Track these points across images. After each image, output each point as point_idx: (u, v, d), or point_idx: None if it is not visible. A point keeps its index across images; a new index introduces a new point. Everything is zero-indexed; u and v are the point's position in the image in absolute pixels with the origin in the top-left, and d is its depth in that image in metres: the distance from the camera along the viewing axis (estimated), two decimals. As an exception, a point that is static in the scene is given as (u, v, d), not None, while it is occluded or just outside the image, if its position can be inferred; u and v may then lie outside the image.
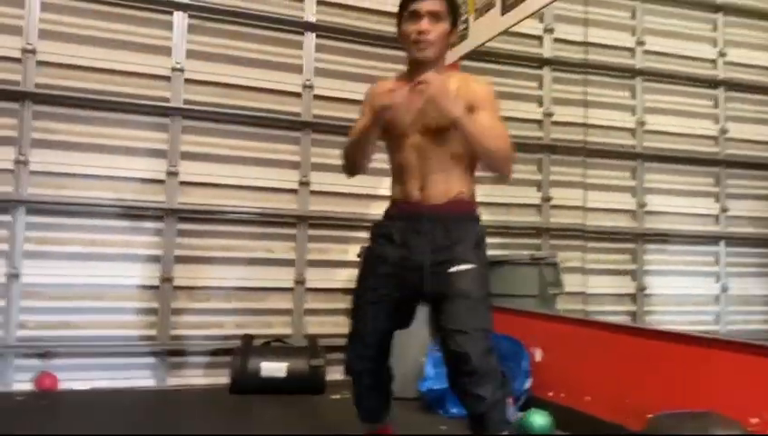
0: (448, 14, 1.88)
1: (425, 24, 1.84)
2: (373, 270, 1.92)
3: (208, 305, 3.32)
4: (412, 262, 1.82)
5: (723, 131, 3.36)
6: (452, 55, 3.64)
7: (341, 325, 3.55)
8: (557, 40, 3.51)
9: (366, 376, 1.99)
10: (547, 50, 3.58)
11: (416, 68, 1.88)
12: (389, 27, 3.73)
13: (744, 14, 3.29)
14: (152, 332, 3.20)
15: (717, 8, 3.30)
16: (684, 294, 3.38)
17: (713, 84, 3.37)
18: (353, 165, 2.01)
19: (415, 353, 3.03)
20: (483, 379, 1.70)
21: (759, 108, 3.30)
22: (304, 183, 3.49)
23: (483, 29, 3.34)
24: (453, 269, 1.77)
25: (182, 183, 3.28)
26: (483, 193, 3.63)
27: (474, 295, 1.76)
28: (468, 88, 1.83)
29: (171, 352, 3.23)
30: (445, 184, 1.84)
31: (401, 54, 3.71)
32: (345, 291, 3.54)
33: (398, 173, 1.93)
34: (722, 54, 3.36)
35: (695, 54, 3.43)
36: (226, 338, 3.29)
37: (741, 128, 3.36)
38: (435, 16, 1.85)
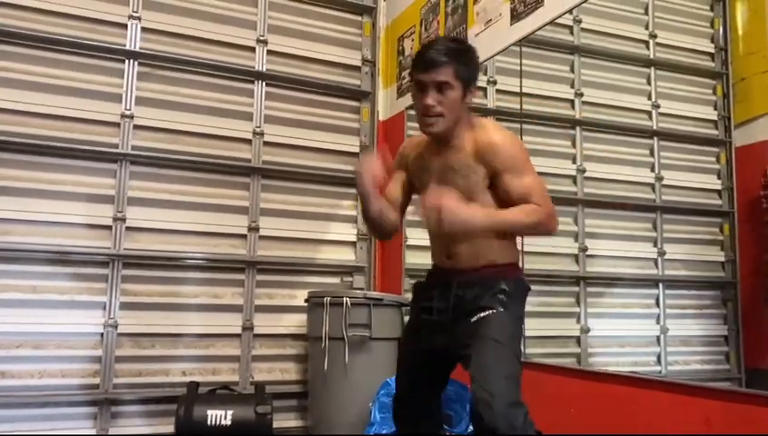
0: (459, 78, 1.72)
1: (430, 98, 1.71)
2: (408, 331, 2.01)
3: (153, 352, 3.27)
4: (438, 323, 1.80)
5: (659, 178, 3.49)
6: (399, 105, 3.78)
7: (290, 371, 3.55)
8: (500, 91, 3.65)
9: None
10: (491, 99, 3.71)
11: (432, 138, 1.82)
12: (335, 76, 3.86)
13: (674, 69, 3.46)
14: (95, 381, 3.13)
15: (650, 63, 3.46)
16: (626, 336, 3.45)
17: (648, 133, 3.51)
18: (375, 234, 2.14)
19: (362, 399, 3.03)
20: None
21: (690, 157, 3.44)
22: (253, 229, 3.51)
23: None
24: (474, 318, 1.71)
25: (129, 228, 3.27)
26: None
27: (496, 338, 1.67)
28: (489, 151, 1.73)
29: (114, 401, 3.16)
30: (474, 252, 1.78)
31: (347, 102, 3.89)
32: (293, 336, 3.55)
33: (431, 238, 1.92)
34: (655, 106, 3.51)
35: (631, 105, 3.58)
36: (171, 385, 3.24)
37: (675, 175, 3.50)
38: (442, 86, 1.71)
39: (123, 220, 3.25)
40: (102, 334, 3.16)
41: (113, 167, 3.28)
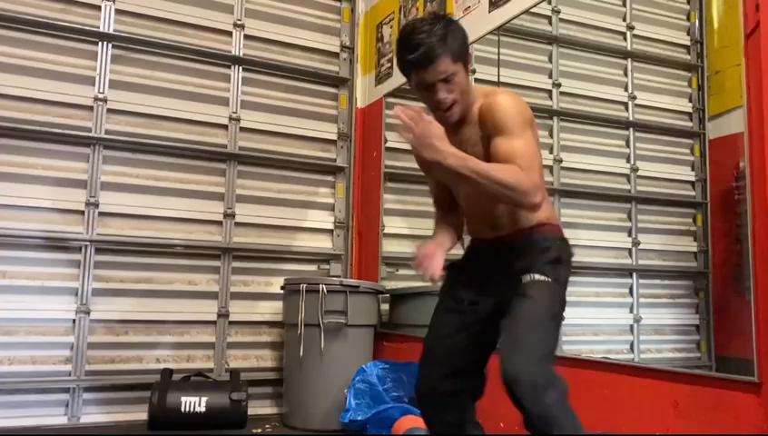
0: (458, 61, 1.65)
1: (441, 93, 1.65)
2: (444, 305, 1.85)
3: (127, 339, 3.24)
4: (487, 289, 1.73)
5: (635, 169, 3.52)
6: (378, 92, 3.76)
7: (265, 358, 3.54)
8: (477, 80, 3.65)
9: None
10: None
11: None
12: (313, 63, 3.83)
13: (651, 61, 3.49)
14: (67, 368, 3.09)
15: (627, 54, 3.48)
16: (600, 324, 3.49)
17: (624, 125, 3.54)
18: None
19: (337, 385, 3.04)
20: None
21: (665, 148, 3.47)
22: (229, 215, 3.48)
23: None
24: (527, 277, 1.61)
25: (102, 213, 3.22)
26: (409, 225, 3.73)
27: (540, 306, 1.58)
28: (488, 112, 1.65)
29: (86, 388, 3.12)
30: (508, 218, 1.71)
31: (324, 88, 3.86)
32: (269, 323, 3.54)
33: (466, 215, 1.87)
34: (632, 98, 3.54)
35: (608, 96, 3.61)
36: (145, 372, 3.21)
37: (650, 167, 3.53)
38: (448, 79, 1.64)
39: (96, 205, 3.20)
40: (74, 321, 3.12)
41: (86, 151, 3.23)
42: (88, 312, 3.13)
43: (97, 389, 3.15)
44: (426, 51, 1.62)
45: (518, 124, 1.61)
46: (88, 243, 3.17)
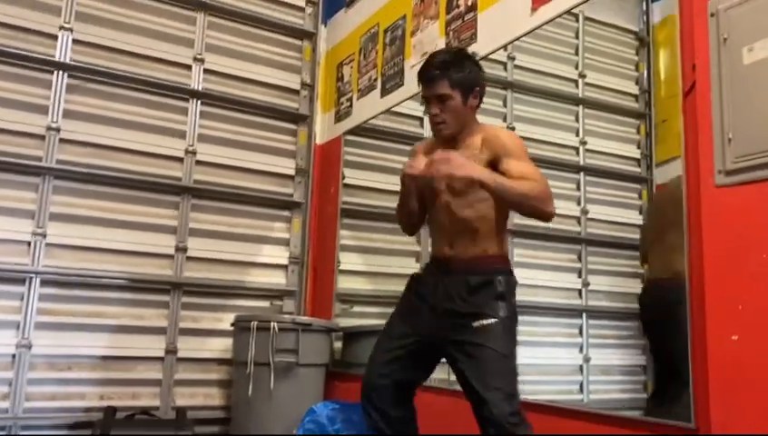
0: (456, 88, 1.93)
1: (434, 108, 1.94)
2: (397, 316, 2.03)
3: (69, 375, 3.14)
4: (438, 312, 1.90)
5: (585, 212, 3.60)
6: (337, 130, 3.80)
7: (214, 397, 3.46)
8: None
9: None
10: (427, 129, 3.77)
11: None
12: (273, 99, 3.85)
13: (601, 108, 3.61)
14: (4, 405, 2.97)
15: (578, 101, 3.60)
16: (550, 364, 3.52)
17: (575, 169, 3.63)
18: (404, 226, 2.17)
19: (286, 426, 2.99)
20: None
21: (614, 192, 3.57)
22: (181, 249, 3.44)
23: (365, 108, 3.52)
24: (476, 323, 1.82)
25: (50, 245, 3.15)
26: (365, 261, 3.73)
27: (497, 351, 1.79)
28: (495, 140, 1.92)
29: (23, 426, 2.99)
30: (472, 242, 1.92)
31: (284, 124, 3.88)
32: (219, 361, 3.47)
33: (433, 231, 2.07)
34: (583, 143, 3.64)
35: (560, 141, 3.70)
36: (87, 410, 3.11)
37: (600, 210, 3.62)
38: (442, 98, 1.92)
39: (44, 236, 3.13)
40: (13, 355, 3.01)
41: (36, 181, 3.16)
42: (29, 347, 3.03)
43: (35, 427, 3.03)
44: (429, 70, 1.96)
45: (525, 153, 1.90)
46: (33, 275, 3.08)
